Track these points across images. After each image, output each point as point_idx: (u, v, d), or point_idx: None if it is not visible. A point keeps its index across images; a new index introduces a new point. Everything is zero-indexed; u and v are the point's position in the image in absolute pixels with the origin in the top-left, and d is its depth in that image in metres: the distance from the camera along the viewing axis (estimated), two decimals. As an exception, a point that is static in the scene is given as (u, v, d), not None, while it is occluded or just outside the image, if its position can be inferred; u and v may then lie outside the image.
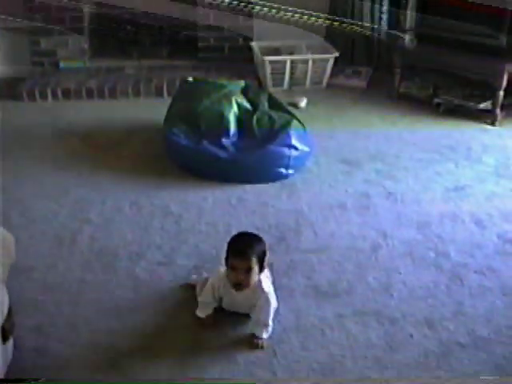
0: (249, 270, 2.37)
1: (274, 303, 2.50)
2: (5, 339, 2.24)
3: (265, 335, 2.49)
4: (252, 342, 2.48)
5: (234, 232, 3.18)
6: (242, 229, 3.24)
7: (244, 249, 2.39)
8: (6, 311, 2.25)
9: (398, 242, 3.21)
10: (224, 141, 3.83)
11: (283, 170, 3.81)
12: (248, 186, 3.72)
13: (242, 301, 2.51)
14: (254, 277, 2.40)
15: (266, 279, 2.51)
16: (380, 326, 2.61)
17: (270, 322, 2.50)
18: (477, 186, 3.78)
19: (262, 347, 2.46)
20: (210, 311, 2.57)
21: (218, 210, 3.50)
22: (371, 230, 3.32)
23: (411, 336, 2.56)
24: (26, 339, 2.46)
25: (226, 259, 2.44)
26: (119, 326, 2.59)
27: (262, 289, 2.46)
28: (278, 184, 3.77)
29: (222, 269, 2.52)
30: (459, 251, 3.14)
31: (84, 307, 2.69)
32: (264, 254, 2.43)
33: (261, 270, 2.43)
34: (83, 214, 3.43)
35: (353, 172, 3.95)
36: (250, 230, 3.22)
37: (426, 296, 2.80)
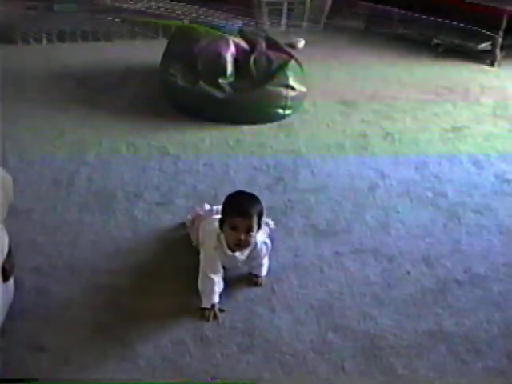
0: (250, 229, 2.25)
1: (269, 245, 2.43)
2: (5, 279, 2.20)
3: (263, 272, 2.46)
4: (251, 279, 2.45)
5: (232, 173, 3.18)
6: (240, 170, 3.21)
7: (245, 207, 2.25)
8: (6, 251, 2.20)
9: (396, 181, 3.16)
10: (221, 81, 3.72)
11: (281, 111, 3.71)
12: (245, 127, 3.64)
13: (241, 260, 2.40)
14: (254, 236, 2.29)
15: (260, 233, 2.40)
16: (378, 263, 2.58)
17: (267, 261, 2.47)
18: (475, 127, 3.71)
19: (260, 284, 2.43)
20: (216, 298, 2.32)
21: (215, 150, 3.42)
22: (369, 169, 3.26)
23: (408, 273, 2.53)
24: (26, 280, 2.42)
25: (222, 221, 2.30)
26: (119, 266, 2.54)
27: (257, 242, 2.37)
28: (275, 125, 3.69)
29: (213, 236, 2.34)
30: (457, 191, 3.10)
31: (83, 248, 2.64)
32: (262, 213, 2.32)
33: (258, 229, 2.32)
34: (80, 155, 3.35)
35: (350, 113, 3.86)
36: (249, 170, 3.21)
37: (424, 234, 2.76)
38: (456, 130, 3.68)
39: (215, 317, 2.28)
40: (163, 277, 2.49)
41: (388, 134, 3.62)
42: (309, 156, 3.37)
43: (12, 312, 2.22)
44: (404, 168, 3.28)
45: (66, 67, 4.51)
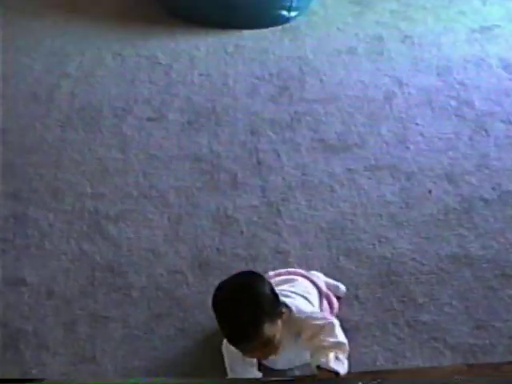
0: (268, 342, 1.60)
1: (329, 319, 1.69)
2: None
3: (341, 369, 1.57)
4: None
5: (232, 83, 3.03)
6: (240, 79, 3.06)
7: (242, 331, 1.56)
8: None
9: (415, 89, 3.00)
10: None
11: (285, 12, 3.50)
12: (246, 32, 3.44)
13: (286, 356, 1.74)
14: (277, 336, 1.61)
15: (299, 299, 1.77)
16: (395, 181, 2.48)
17: (342, 339, 1.65)
18: (507, 26, 3.48)
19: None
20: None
21: (212, 58, 3.25)
22: (385, 77, 3.09)
23: (430, 192, 2.44)
24: (2, 207, 2.35)
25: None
26: (105, 188, 2.46)
27: (300, 319, 1.67)
28: (279, 28, 3.49)
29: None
30: (484, 99, 2.93)
31: (66, 170, 2.55)
32: (274, 299, 1.63)
33: (280, 315, 1.64)
34: (60, 67, 3.18)
35: (364, 13, 3.64)
36: (249, 79, 3.05)
37: (447, 148, 2.64)
38: (485, 29, 3.46)
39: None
40: (154, 200, 2.41)
41: (406, 36, 3.42)
42: (317, 63, 3.19)
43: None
44: (424, 74, 3.11)
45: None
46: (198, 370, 1.84)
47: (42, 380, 1.66)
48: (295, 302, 1.70)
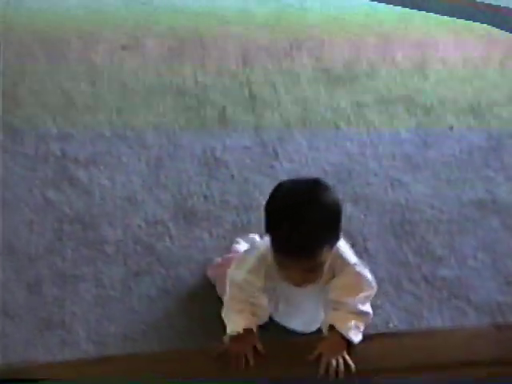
0: (315, 267, 1.51)
1: (373, 284, 1.62)
2: None
3: (355, 338, 1.56)
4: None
5: (220, 3, 2.95)
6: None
7: (305, 243, 1.44)
8: None
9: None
10: None
11: None
12: None
13: (310, 297, 1.67)
14: (325, 267, 1.53)
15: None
16: (411, 116, 2.48)
17: (369, 309, 1.61)
18: None
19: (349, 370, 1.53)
20: (252, 320, 1.61)
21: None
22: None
23: (451, 128, 2.44)
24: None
25: (267, 231, 1.52)
26: (72, 128, 2.42)
27: (345, 261, 1.60)
28: None
29: (261, 244, 1.64)
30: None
31: (24, 104, 2.51)
32: (339, 220, 1.52)
33: (336, 240, 1.54)
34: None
35: None
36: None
37: (472, 76, 2.65)
38: None
39: (247, 362, 1.53)
40: (130, 141, 2.38)
41: None
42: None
43: None
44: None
45: None
46: (182, 334, 1.81)
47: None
48: (341, 242, 1.59)
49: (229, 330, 1.58)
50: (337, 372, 1.51)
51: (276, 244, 1.48)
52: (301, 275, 1.49)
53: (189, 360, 1.53)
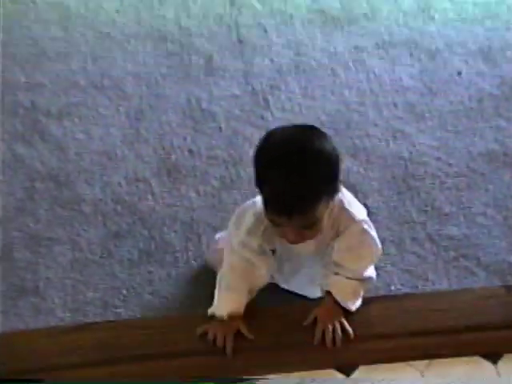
0: (311, 224, 1.45)
1: (379, 246, 1.60)
2: None
3: (352, 306, 1.59)
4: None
5: None
6: None
7: (297, 196, 1.37)
8: None
9: None
10: None
11: None
12: None
13: (315, 257, 1.64)
14: (323, 222, 1.47)
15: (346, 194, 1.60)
16: (414, 60, 2.47)
17: (372, 273, 1.62)
18: None
19: (348, 334, 1.56)
20: (236, 305, 1.61)
21: None
22: None
23: (459, 73, 2.43)
24: None
25: (257, 185, 1.46)
26: (43, 77, 2.41)
27: (351, 216, 1.54)
28: None
29: (259, 200, 1.52)
30: None
31: None
32: (337, 169, 1.45)
33: (336, 193, 1.48)
34: None
35: None
36: None
37: (484, 17, 2.61)
38: None
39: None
40: (108, 91, 2.37)
41: None
42: None
43: None
44: None
45: None
46: (166, 301, 1.81)
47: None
48: (348, 195, 1.56)
49: (212, 310, 1.57)
50: (334, 338, 1.50)
51: (265, 200, 1.43)
52: (295, 232, 1.44)
53: (171, 328, 1.53)
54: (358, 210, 1.55)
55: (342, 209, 1.51)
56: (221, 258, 1.65)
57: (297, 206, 1.37)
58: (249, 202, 1.60)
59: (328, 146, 1.41)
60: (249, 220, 1.54)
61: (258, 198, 1.49)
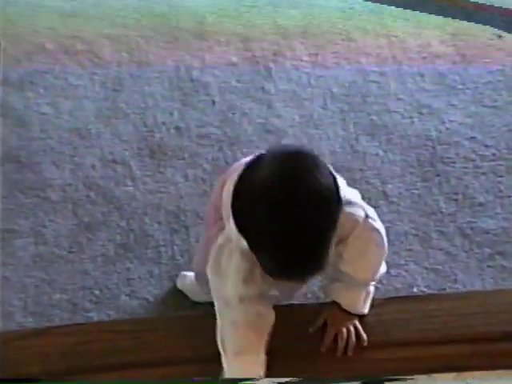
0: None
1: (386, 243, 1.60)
2: None
3: (365, 310, 1.61)
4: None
5: None
6: None
7: (304, 261, 1.35)
8: None
9: None
10: None
11: None
12: None
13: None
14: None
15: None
16: (445, 22, 2.48)
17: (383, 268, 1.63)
18: None
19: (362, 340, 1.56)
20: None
21: None
22: None
23: (499, 37, 2.45)
24: None
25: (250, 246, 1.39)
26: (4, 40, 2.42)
27: (353, 217, 1.53)
28: None
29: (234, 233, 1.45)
30: None
31: None
32: (339, 199, 1.37)
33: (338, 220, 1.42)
34: None
35: None
36: None
37: None
38: None
39: None
40: (80, 56, 2.40)
41: None
42: None
43: None
44: None
45: None
46: (148, 304, 1.82)
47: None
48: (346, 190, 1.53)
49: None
50: (346, 345, 1.51)
51: (264, 266, 1.38)
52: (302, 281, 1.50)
53: (148, 332, 1.53)
54: (358, 205, 1.52)
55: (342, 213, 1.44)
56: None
57: (308, 269, 1.35)
58: (220, 239, 1.50)
59: (323, 179, 1.33)
60: (238, 264, 1.45)
61: (229, 228, 1.43)
